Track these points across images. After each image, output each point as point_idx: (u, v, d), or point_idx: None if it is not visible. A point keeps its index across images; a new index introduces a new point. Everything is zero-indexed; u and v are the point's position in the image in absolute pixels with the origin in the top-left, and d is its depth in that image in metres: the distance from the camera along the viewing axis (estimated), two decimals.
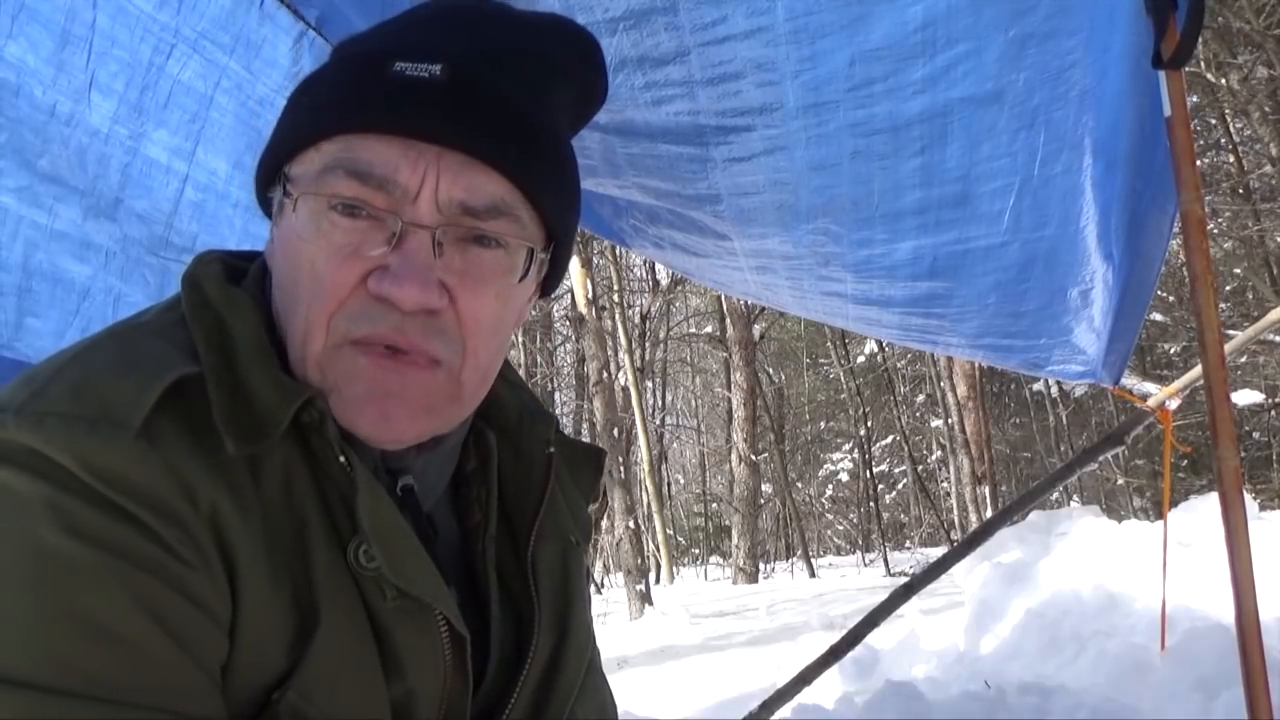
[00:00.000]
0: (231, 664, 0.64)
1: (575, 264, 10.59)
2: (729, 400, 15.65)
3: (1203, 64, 9.23)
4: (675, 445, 24.85)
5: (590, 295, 10.88)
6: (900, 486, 21.12)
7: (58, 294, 1.79)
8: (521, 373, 14.87)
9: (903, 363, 18.08)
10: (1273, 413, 12.70)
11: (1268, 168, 10.15)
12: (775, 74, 1.89)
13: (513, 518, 0.84)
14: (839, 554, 21.51)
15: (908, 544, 19.15)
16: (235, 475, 0.65)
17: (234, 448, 0.65)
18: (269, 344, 0.72)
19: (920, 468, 18.42)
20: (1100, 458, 3.83)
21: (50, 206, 1.74)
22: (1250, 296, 11.93)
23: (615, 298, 13.63)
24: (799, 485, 21.56)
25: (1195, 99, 9.51)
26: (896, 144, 2.01)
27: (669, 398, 22.90)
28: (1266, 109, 9.74)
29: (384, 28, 0.79)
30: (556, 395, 19.11)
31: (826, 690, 4.04)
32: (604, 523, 12.84)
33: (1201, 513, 4.48)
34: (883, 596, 3.57)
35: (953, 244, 2.25)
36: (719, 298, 15.10)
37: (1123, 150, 1.95)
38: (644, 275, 16.05)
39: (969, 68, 1.84)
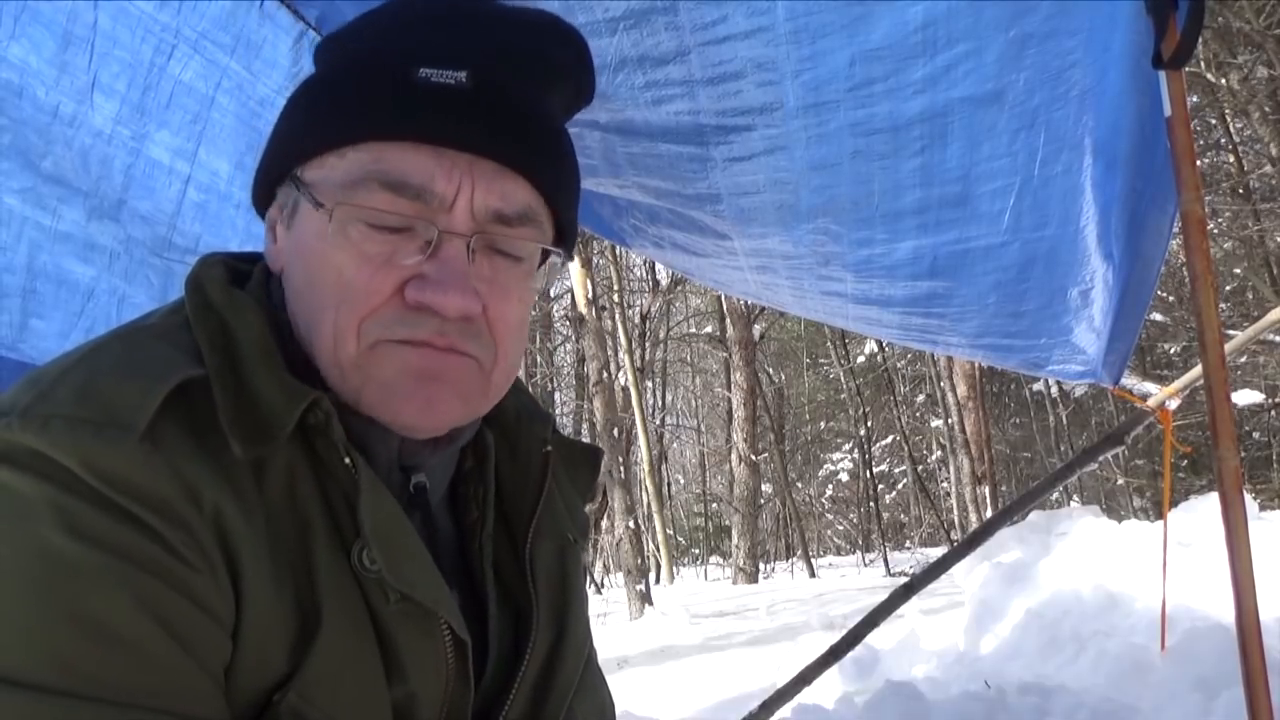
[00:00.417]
0: (234, 666, 0.64)
1: (575, 264, 10.59)
2: (729, 400, 15.65)
3: (1203, 64, 9.24)
4: (675, 445, 24.86)
5: (590, 295, 10.88)
6: (900, 486, 21.12)
7: (62, 295, 1.80)
8: (521, 373, 14.81)
9: (903, 363, 18.08)
10: (1273, 413, 12.70)
11: (1268, 168, 10.16)
12: (775, 74, 1.89)
13: (510, 516, 0.84)
14: (839, 554, 21.51)
15: (908, 544, 19.15)
16: (239, 478, 0.65)
17: (240, 450, 0.65)
18: (274, 346, 0.72)
19: (920, 468, 18.42)
20: (1100, 458, 3.83)
21: (54, 208, 1.74)
22: (1250, 296, 11.93)
23: (615, 298, 13.64)
24: (799, 485, 21.56)
25: (1195, 99, 9.52)
26: (896, 144, 2.01)
27: (669, 398, 22.91)
28: (1266, 109, 9.75)
29: (390, 24, 0.77)
30: (556, 395, 19.12)
31: (826, 690, 4.04)
32: (604, 523, 12.84)
33: (1201, 513, 4.48)
34: (883, 596, 3.57)
35: (953, 244, 2.25)
36: (719, 298, 15.10)
37: (1123, 150, 1.95)
38: (644, 275, 16.06)
39: (969, 68, 1.84)
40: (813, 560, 16.36)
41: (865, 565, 15.92)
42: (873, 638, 3.71)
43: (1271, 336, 8.96)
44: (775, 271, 2.55)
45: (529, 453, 0.85)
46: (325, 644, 0.66)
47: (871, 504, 17.36)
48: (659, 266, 14.14)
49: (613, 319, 13.59)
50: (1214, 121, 11.08)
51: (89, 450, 0.60)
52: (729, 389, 15.67)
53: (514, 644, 0.81)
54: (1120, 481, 14.00)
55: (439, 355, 0.71)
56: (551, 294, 16.38)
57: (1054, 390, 15.31)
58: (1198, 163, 1.78)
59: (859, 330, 3.12)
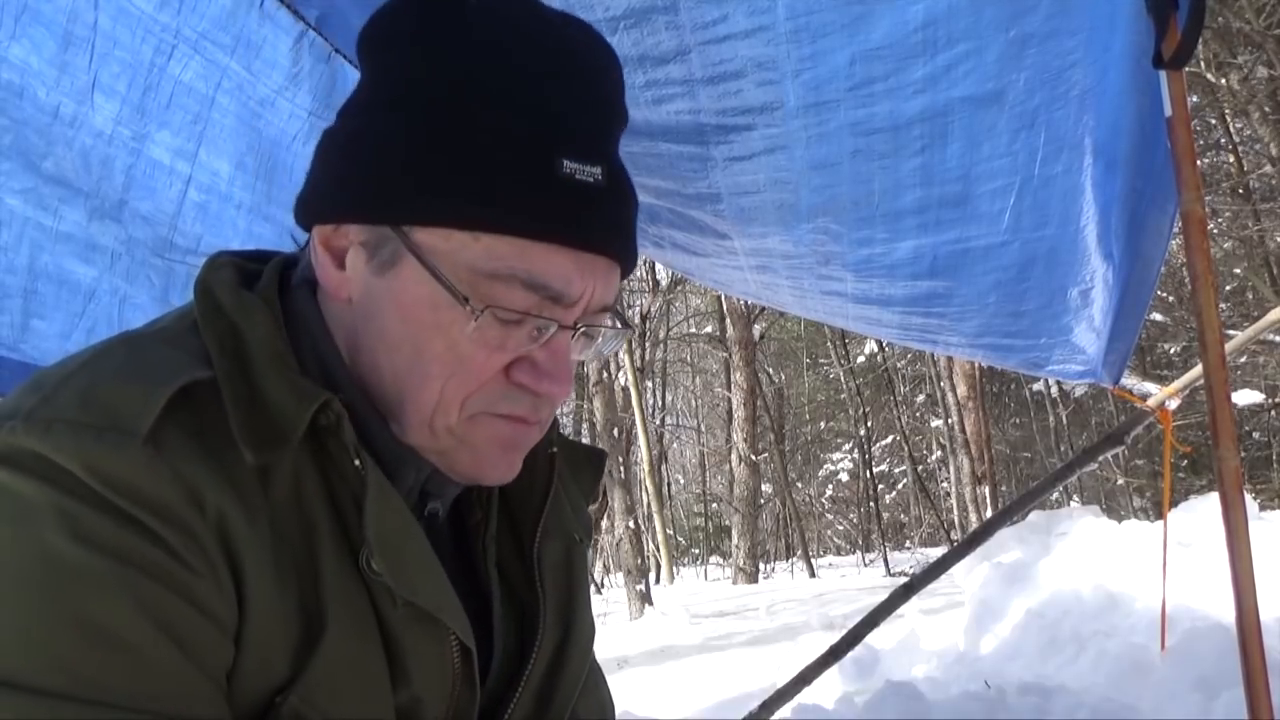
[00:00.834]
0: (236, 670, 0.64)
1: None
2: (729, 400, 15.66)
3: (1203, 64, 9.24)
4: (675, 445, 24.86)
5: None
6: (900, 486, 21.12)
7: (63, 296, 1.80)
8: None
9: (903, 363, 18.08)
10: (1273, 413, 12.71)
11: (1268, 168, 10.16)
12: (776, 73, 1.89)
13: (516, 516, 0.84)
14: (839, 554, 21.52)
15: (908, 544, 19.16)
16: (243, 481, 0.65)
17: (252, 457, 0.65)
18: (285, 348, 0.71)
19: (920, 468, 18.43)
20: (1100, 458, 3.83)
21: (55, 208, 1.74)
22: (1250, 296, 11.94)
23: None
24: (799, 485, 21.56)
25: (1195, 99, 9.52)
26: (897, 143, 2.01)
27: (669, 398, 22.91)
28: (1266, 109, 9.75)
29: (528, 99, 0.71)
30: None
31: (826, 690, 4.04)
32: (604, 523, 12.84)
33: (1201, 513, 4.48)
34: (883, 596, 3.57)
35: (953, 243, 2.25)
36: (719, 298, 15.10)
37: (1123, 150, 1.95)
38: (644, 275, 16.05)
39: (969, 67, 1.84)
40: (813, 560, 16.36)
41: (865, 565, 15.93)
42: (873, 638, 3.71)
43: (1271, 336, 8.96)
44: (775, 271, 2.55)
45: (535, 454, 0.84)
46: (329, 647, 0.66)
47: (871, 504, 17.36)
48: (659, 266, 14.15)
49: None
50: (1214, 121, 11.08)
51: (92, 455, 0.60)
52: (729, 389, 15.67)
53: (519, 644, 0.81)
54: (1120, 481, 14.01)
55: (526, 429, 0.76)
56: None
57: (1054, 390, 15.31)
58: (1198, 163, 1.78)
59: (859, 330, 3.12)
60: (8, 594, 0.58)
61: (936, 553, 10.72)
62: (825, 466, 22.45)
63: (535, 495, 0.84)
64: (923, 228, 2.21)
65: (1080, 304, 2.35)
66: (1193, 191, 1.71)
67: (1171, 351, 13.90)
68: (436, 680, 0.72)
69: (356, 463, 0.69)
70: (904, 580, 3.79)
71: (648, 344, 16.73)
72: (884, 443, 20.52)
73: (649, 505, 15.24)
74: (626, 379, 13.69)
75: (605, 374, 11.14)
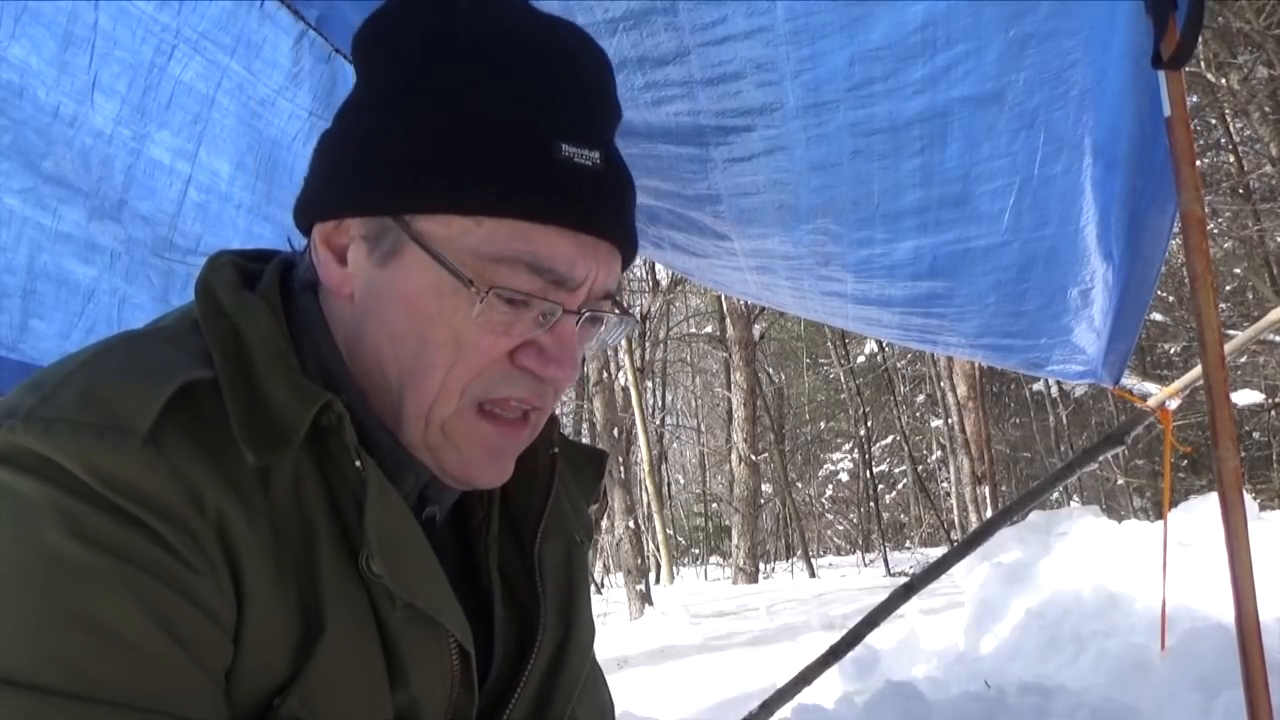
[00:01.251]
0: (235, 670, 0.64)
1: None
2: (729, 400, 15.66)
3: (1203, 64, 9.24)
4: (675, 445, 24.86)
5: None
6: (900, 486, 21.12)
7: (62, 296, 1.80)
8: None
9: (903, 363, 18.08)
10: (1273, 413, 12.71)
11: (1268, 168, 10.16)
12: (775, 74, 1.89)
13: (517, 517, 0.85)
14: (839, 554, 21.52)
15: (908, 544, 19.15)
16: (243, 481, 0.65)
17: (254, 458, 0.65)
18: (286, 348, 0.71)
19: (920, 468, 18.43)
20: (1100, 458, 3.83)
21: (54, 208, 1.74)
22: (1250, 296, 11.94)
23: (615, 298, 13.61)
24: (799, 485, 21.56)
25: (1195, 99, 9.52)
26: (896, 144, 2.01)
27: (669, 398, 22.91)
28: (1266, 109, 9.75)
29: (524, 84, 0.72)
30: None
31: (826, 690, 4.04)
32: (604, 523, 12.84)
33: (1201, 513, 4.48)
34: (883, 596, 3.57)
35: (953, 244, 2.25)
36: (719, 298, 15.10)
37: (1122, 150, 1.95)
38: (644, 275, 16.05)
39: (969, 68, 1.84)
40: (813, 560, 16.36)
41: (865, 565, 15.93)
42: (873, 638, 3.71)
43: (1271, 336, 8.96)
44: (775, 272, 2.55)
45: (536, 454, 0.85)
46: (328, 649, 0.66)
47: (871, 504, 17.36)
48: (659, 266, 14.15)
49: None
50: (1214, 121, 11.08)
51: (92, 454, 0.60)
52: (729, 389, 15.67)
53: (519, 644, 0.81)
54: (1120, 481, 14.01)
55: (515, 432, 0.76)
56: None
57: (1054, 390, 15.31)
58: (1198, 163, 1.78)
59: (859, 330, 3.12)
60: (8, 592, 0.58)
61: (936, 553, 10.72)
62: (825, 466, 22.45)
63: (536, 496, 0.84)
64: (922, 228, 2.21)
65: (1080, 304, 2.35)
66: (1192, 191, 1.71)
67: (1171, 351, 13.90)
68: (435, 683, 0.72)
69: (357, 463, 0.69)
70: (904, 580, 3.79)
71: (648, 344, 16.73)
72: (884, 443, 20.52)
73: (649, 505, 15.25)
74: (626, 379, 13.69)
75: (605, 374, 11.15)
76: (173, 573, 0.61)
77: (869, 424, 18.20)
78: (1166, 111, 1.70)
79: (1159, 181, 1.94)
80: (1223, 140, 11.36)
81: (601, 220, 0.73)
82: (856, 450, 19.41)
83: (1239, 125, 10.93)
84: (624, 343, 13.49)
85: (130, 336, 0.72)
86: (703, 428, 23.98)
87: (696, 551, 23.64)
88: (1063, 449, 15.09)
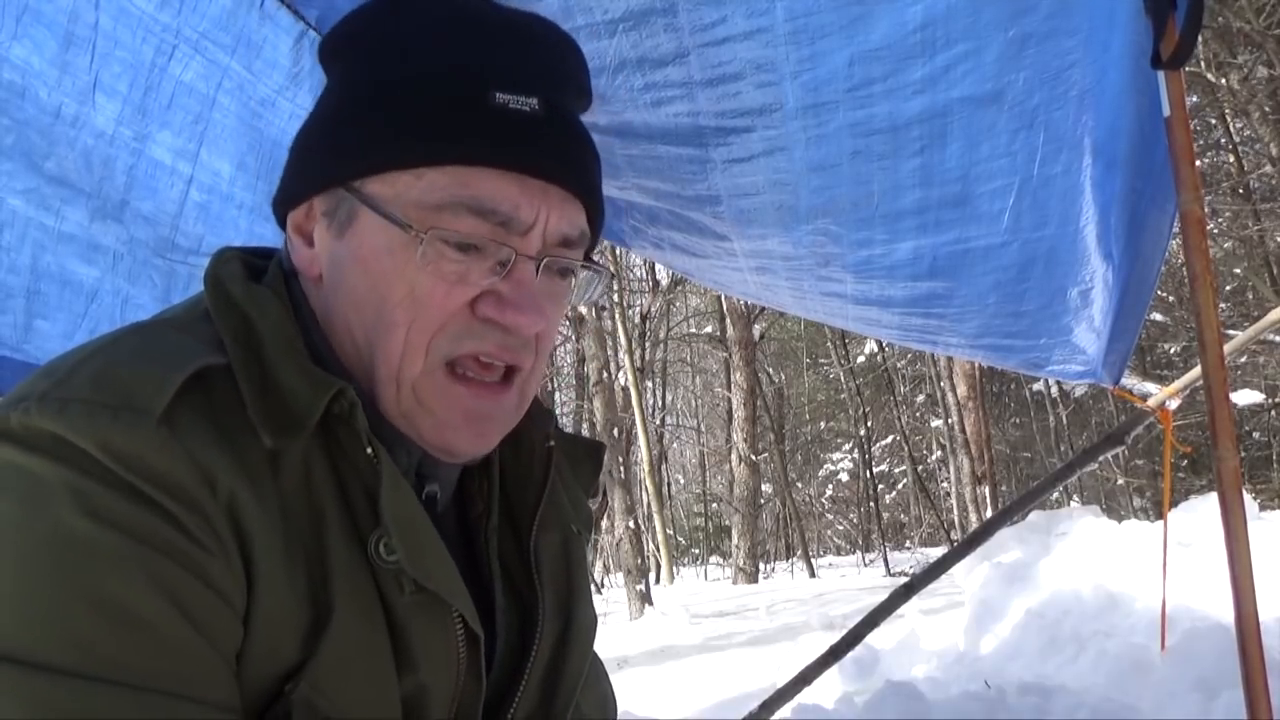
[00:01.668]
0: (245, 653, 0.64)
1: None
2: (729, 400, 15.65)
3: (1203, 64, 9.24)
4: (675, 445, 24.86)
5: None
6: (900, 486, 21.12)
7: (66, 296, 1.80)
8: None
9: (903, 363, 18.08)
10: (1273, 413, 12.71)
11: (1268, 168, 10.16)
12: (775, 75, 1.89)
13: (515, 510, 0.85)
14: (839, 554, 21.52)
15: (908, 544, 19.15)
16: (254, 465, 0.66)
17: (270, 441, 0.66)
18: (297, 338, 0.73)
19: (920, 468, 18.43)
20: (1100, 458, 3.83)
21: (57, 209, 1.74)
22: (1250, 296, 11.94)
23: (615, 298, 13.64)
24: (799, 485, 21.56)
25: (1195, 99, 9.52)
26: (896, 144, 2.01)
27: (669, 398, 22.91)
28: (1266, 109, 9.75)
29: (457, 40, 0.76)
30: (556, 395, 19.12)
31: (826, 690, 4.04)
32: (604, 523, 12.84)
33: (1201, 513, 4.48)
34: (883, 596, 3.57)
35: (952, 244, 2.25)
36: (719, 298, 15.10)
37: (1122, 150, 1.96)
38: (644, 275, 16.05)
39: (968, 68, 1.84)
40: (813, 560, 16.36)
41: (865, 565, 15.93)
42: (873, 638, 3.71)
43: (1271, 336, 8.96)
44: (775, 272, 2.55)
45: (532, 448, 0.86)
46: (336, 634, 0.67)
47: (871, 504, 17.37)
48: (659, 266, 14.15)
49: (613, 319, 13.59)
50: (1214, 121, 11.08)
51: (106, 433, 0.60)
52: (729, 389, 15.67)
53: (521, 637, 0.82)
54: (1120, 481, 14.01)
55: (490, 395, 0.76)
56: None
57: (1054, 390, 15.31)
58: (1197, 163, 1.79)
59: (859, 330, 3.12)
60: (23, 572, 0.58)
61: (936, 553, 10.72)
62: (825, 466, 22.45)
63: (533, 489, 0.85)
64: (922, 228, 2.21)
65: (1080, 304, 2.36)
66: (1191, 192, 1.71)
67: (1171, 351, 13.90)
68: (442, 668, 0.72)
69: (369, 450, 0.70)
70: (904, 580, 3.79)
71: (648, 344, 16.73)
72: (884, 443, 20.52)
73: (649, 505, 15.24)
74: (626, 379, 13.69)
75: (605, 374, 11.15)
76: (185, 553, 0.61)
77: (869, 424, 18.20)
78: (1166, 111, 1.70)
79: (1159, 181, 1.95)
80: (1223, 140, 11.36)
81: (544, 164, 0.74)
82: (856, 450, 19.41)
83: (1239, 125, 10.92)
84: (624, 342, 13.50)
85: (141, 326, 0.73)
86: (703, 428, 23.99)
87: (696, 551, 23.64)
88: (1063, 449, 15.09)
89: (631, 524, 10.55)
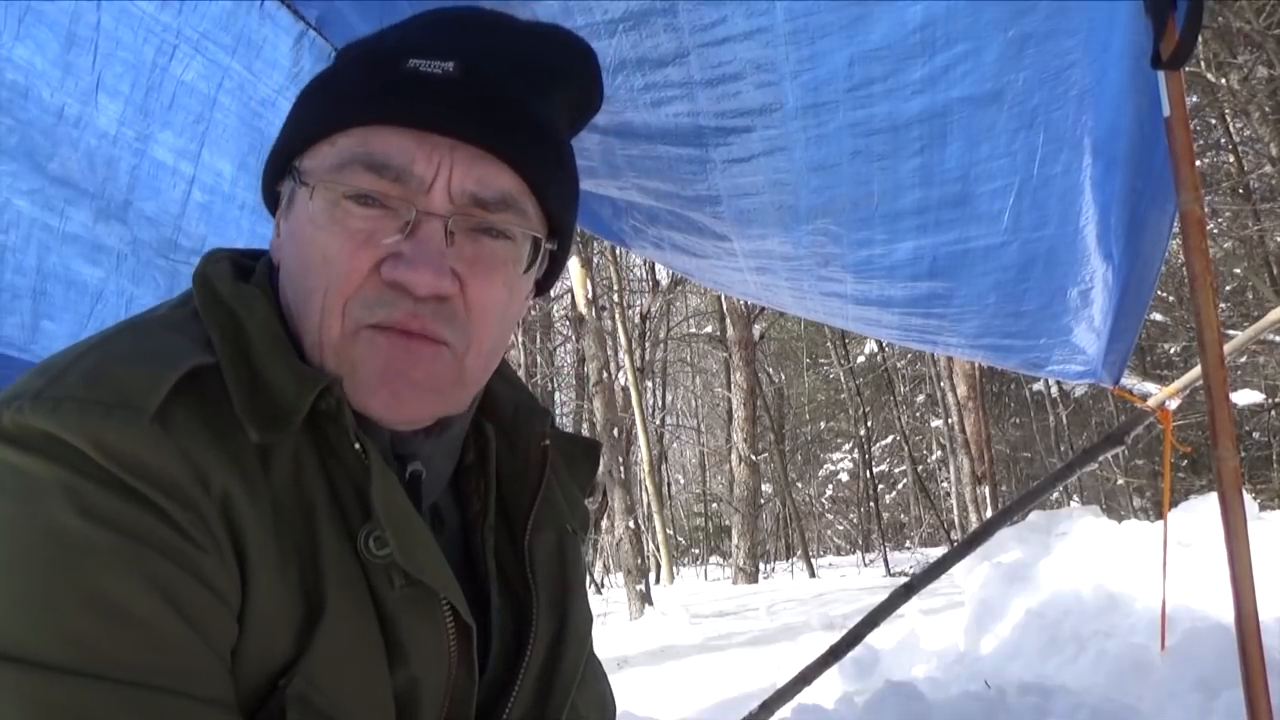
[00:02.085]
0: (239, 650, 0.64)
1: (575, 264, 10.60)
2: (729, 400, 15.65)
3: (1203, 64, 9.23)
4: (675, 445, 24.86)
5: (590, 295, 10.88)
6: (900, 486, 21.12)
7: (71, 296, 1.80)
8: (521, 373, 14.88)
9: (903, 363, 18.08)
10: (1273, 413, 12.70)
11: (1268, 168, 10.16)
12: (774, 75, 1.89)
13: (510, 509, 0.85)
14: (839, 554, 21.51)
15: (908, 544, 19.15)
16: (247, 463, 0.66)
17: (257, 436, 0.67)
18: (283, 335, 0.73)
19: (920, 468, 18.42)
20: (1100, 458, 3.83)
21: (61, 209, 1.75)
22: (1250, 296, 11.93)
23: (615, 298, 13.64)
24: (799, 485, 21.56)
25: (1195, 99, 9.51)
26: (896, 144, 2.01)
27: (669, 398, 22.91)
28: (1266, 109, 9.74)
29: (393, 30, 0.81)
30: (556, 395, 19.12)
31: (826, 690, 4.04)
32: (604, 523, 12.84)
33: (1201, 513, 4.48)
34: (883, 596, 3.57)
35: (952, 244, 2.25)
36: (719, 298, 15.10)
37: (1122, 150, 1.96)
38: (644, 275, 16.05)
39: (968, 68, 1.84)
40: (813, 560, 16.36)
41: (865, 565, 15.92)
42: (873, 638, 3.71)
43: (1271, 336, 8.96)
44: (775, 273, 2.55)
45: (528, 447, 0.86)
46: (329, 629, 0.67)
47: (871, 504, 17.36)
48: (659, 266, 14.15)
49: (613, 319, 13.59)
50: (1214, 121, 11.08)
51: (99, 431, 0.61)
52: (729, 389, 15.67)
53: (516, 636, 0.82)
54: (1120, 481, 14.00)
55: (407, 347, 0.72)
56: (551, 294, 16.38)
57: (1054, 390, 15.30)
58: (1197, 163, 1.79)
59: (859, 330, 3.12)
60: (16, 571, 0.58)
61: (936, 553, 10.72)
62: (825, 466, 22.44)
63: (528, 488, 0.85)
64: (922, 228, 2.21)
65: (1080, 304, 2.36)
66: (1191, 192, 1.71)
67: (1171, 351, 13.90)
68: (433, 662, 0.73)
69: (357, 446, 0.70)
70: (904, 580, 3.79)
71: (648, 344, 16.73)
72: (884, 443, 20.51)
73: (649, 505, 15.24)
74: (626, 379, 13.68)
75: (605, 374, 11.14)
76: (179, 550, 0.61)
77: (869, 424, 18.19)
78: (1166, 111, 1.70)
79: (1159, 181, 1.95)
80: (1223, 140, 11.36)
81: (450, 119, 0.73)
82: (856, 450, 19.41)
83: (1239, 125, 10.92)
84: (624, 342, 13.49)
85: (134, 323, 0.73)
86: (703, 428, 23.98)
87: (696, 551, 23.63)
88: (1063, 449, 15.09)
89: (631, 524, 10.55)
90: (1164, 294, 11.61)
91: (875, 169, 2.07)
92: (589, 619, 0.89)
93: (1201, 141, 11.25)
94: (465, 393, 0.78)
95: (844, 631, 3.54)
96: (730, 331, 13.94)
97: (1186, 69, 1.73)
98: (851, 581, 11.22)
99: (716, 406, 22.93)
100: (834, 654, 3.42)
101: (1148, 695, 3.33)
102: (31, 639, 0.57)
